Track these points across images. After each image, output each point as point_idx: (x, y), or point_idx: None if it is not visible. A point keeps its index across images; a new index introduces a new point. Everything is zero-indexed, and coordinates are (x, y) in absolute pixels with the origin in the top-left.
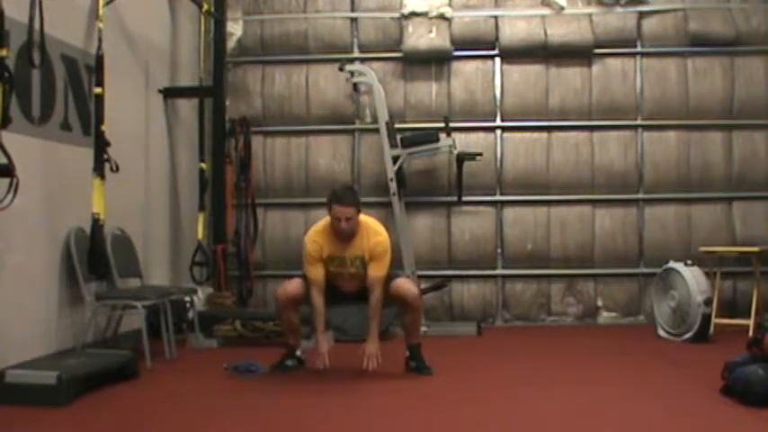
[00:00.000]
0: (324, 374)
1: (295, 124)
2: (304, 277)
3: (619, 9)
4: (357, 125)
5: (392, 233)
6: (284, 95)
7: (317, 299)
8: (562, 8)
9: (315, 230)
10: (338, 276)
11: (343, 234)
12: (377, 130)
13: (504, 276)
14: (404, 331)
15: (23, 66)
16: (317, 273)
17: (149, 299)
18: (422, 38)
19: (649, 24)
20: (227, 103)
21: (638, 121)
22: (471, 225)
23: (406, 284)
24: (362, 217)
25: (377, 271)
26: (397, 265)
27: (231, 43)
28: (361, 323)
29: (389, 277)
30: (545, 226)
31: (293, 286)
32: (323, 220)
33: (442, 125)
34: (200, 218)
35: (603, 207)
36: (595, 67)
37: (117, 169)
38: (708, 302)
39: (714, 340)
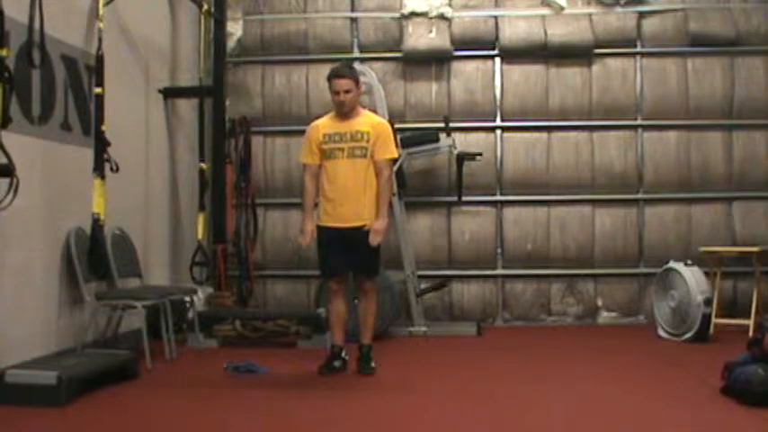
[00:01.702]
0: (324, 375)
1: (295, 124)
2: (330, 274)
3: (619, 9)
4: None
5: (392, 233)
6: (284, 95)
7: (309, 182)
8: (562, 8)
9: (320, 118)
10: (334, 157)
11: (343, 108)
12: None
13: (504, 276)
14: (360, 325)
15: (23, 66)
16: (310, 158)
17: (149, 299)
18: (422, 38)
19: (649, 24)
20: (227, 103)
21: (638, 121)
22: (471, 225)
23: (368, 280)
24: (365, 108)
25: (383, 154)
26: (397, 265)
27: (231, 43)
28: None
29: (373, 270)
30: (545, 226)
31: (331, 284)
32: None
33: (442, 125)
34: (200, 218)
35: (603, 207)
36: (595, 67)
37: (117, 169)
38: (708, 302)
39: (714, 340)
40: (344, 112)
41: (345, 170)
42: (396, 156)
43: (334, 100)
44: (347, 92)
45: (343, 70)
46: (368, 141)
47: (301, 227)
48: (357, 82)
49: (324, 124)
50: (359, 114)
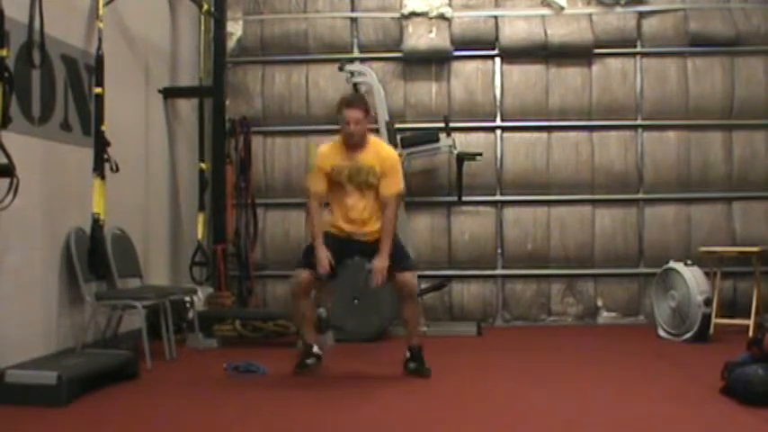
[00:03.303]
0: (324, 375)
1: (295, 124)
2: (308, 266)
3: (619, 9)
4: None
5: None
6: (284, 95)
7: (317, 209)
8: (562, 8)
9: (326, 145)
10: (343, 192)
11: (353, 139)
12: (377, 130)
13: (504, 276)
14: (404, 329)
15: (23, 66)
16: (318, 186)
17: (149, 299)
18: (422, 38)
19: (649, 24)
20: (227, 103)
21: (638, 121)
22: (471, 225)
23: (405, 275)
24: (373, 136)
25: (390, 187)
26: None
27: (231, 43)
28: (362, 323)
29: (394, 261)
30: (545, 226)
31: (305, 274)
32: (335, 138)
33: (442, 125)
34: (200, 218)
35: (603, 207)
36: (595, 67)
37: (117, 169)
38: (708, 302)
39: (714, 340)
40: (353, 143)
41: (354, 201)
42: (402, 189)
43: (344, 129)
44: (357, 122)
45: (355, 100)
46: (375, 176)
47: (315, 257)
48: (367, 112)
49: (332, 154)
50: (367, 145)
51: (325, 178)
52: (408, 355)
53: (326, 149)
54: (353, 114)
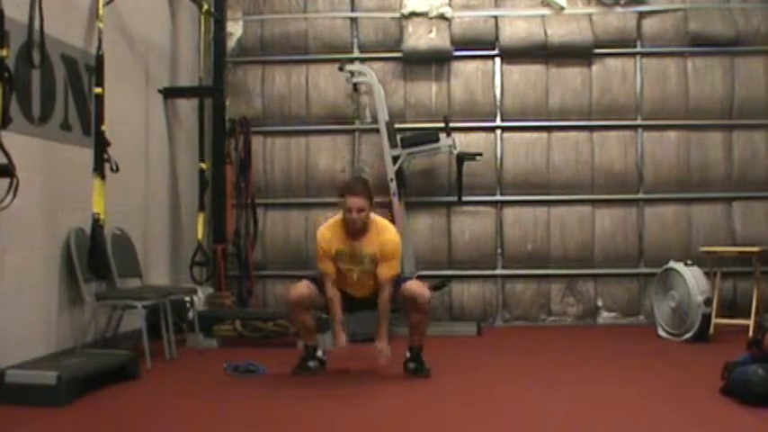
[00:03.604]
0: (324, 375)
1: (295, 124)
2: (310, 278)
3: (619, 9)
4: (357, 125)
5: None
6: (284, 95)
7: (333, 290)
8: (562, 8)
9: (326, 226)
10: (347, 275)
11: (355, 226)
12: (377, 130)
13: (504, 276)
14: (409, 331)
15: (23, 66)
16: (328, 267)
17: (149, 299)
18: (422, 38)
19: (649, 24)
20: (227, 103)
21: (638, 121)
22: (471, 225)
23: (417, 286)
24: (374, 216)
25: (387, 271)
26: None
27: (231, 43)
28: (365, 322)
29: (400, 280)
30: (545, 226)
31: (302, 287)
32: (335, 217)
33: (442, 125)
34: (200, 218)
35: (603, 207)
36: (595, 67)
37: (117, 169)
38: (708, 302)
39: (714, 340)
40: (356, 230)
41: (356, 285)
42: (398, 272)
43: (347, 217)
44: (360, 211)
45: (359, 188)
46: (374, 263)
47: (335, 340)
48: (371, 201)
49: (334, 238)
50: (368, 231)
51: (333, 261)
52: (408, 355)
53: (328, 233)
54: (357, 203)
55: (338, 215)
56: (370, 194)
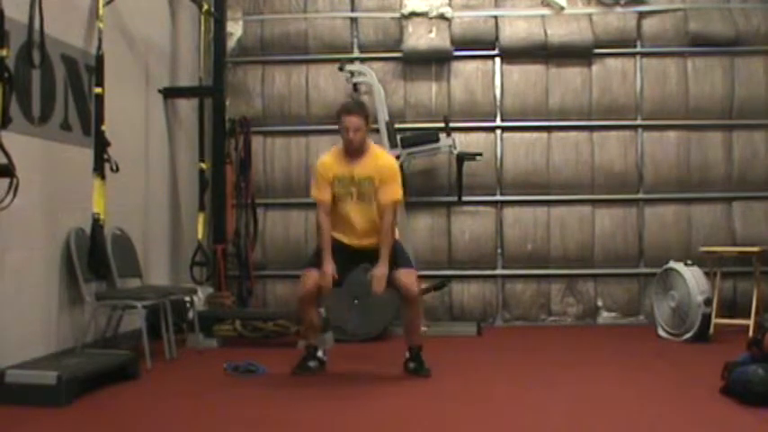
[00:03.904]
0: (324, 375)
1: (295, 124)
2: (314, 265)
3: (619, 9)
4: None
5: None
6: (284, 95)
7: (324, 220)
8: (562, 8)
9: (326, 154)
10: (343, 202)
11: (352, 146)
12: (377, 130)
13: (504, 276)
14: (404, 331)
15: (23, 66)
16: (323, 195)
17: (149, 299)
18: (422, 38)
19: (649, 24)
20: (227, 103)
21: (638, 121)
22: (471, 225)
23: (408, 278)
24: (372, 143)
25: (387, 195)
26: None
27: (231, 43)
28: (362, 324)
29: (397, 262)
30: (545, 226)
31: (311, 278)
32: (335, 146)
33: (442, 125)
34: (200, 218)
35: (603, 207)
36: (595, 67)
37: (117, 169)
38: (708, 302)
39: (714, 340)
40: (353, 150)
41: (355, 213)
42: (400, 197)
43: (343, 137)
44: (357, 130)
45: (354, 108)
46: (373, 186)
47: (322, 270)
48: (367, 120)
49: (333, 163)
50: (366, 153)
51: (329, 188)
52: (408, 355)
53: (327, 159)
54: (352, 122)
55: (336, 146)
56: (366, 115)
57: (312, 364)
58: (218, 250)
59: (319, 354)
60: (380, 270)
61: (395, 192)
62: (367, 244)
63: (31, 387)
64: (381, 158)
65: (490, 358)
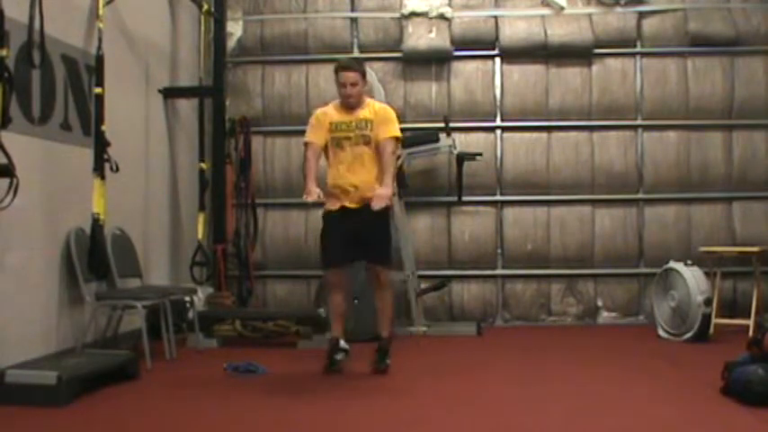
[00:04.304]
0: (324, 375)
1: (295, 124)
2: (332, 264)
3: (619, 9)
4: None
5: (392, 233)
6: (284, 95)
7: (312, 157)
8: (562, 8)
9: (324, 105)
10: (342, 144)
11: (350, 101)
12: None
13: (504, 276)
14: (378, 319)
15: (23, 66)
16: (315, 137)
17: (149, 299)
18: (422, 38)
19: (649, 24)
20: (227, 103)
21: (638, 121)
22: (471, 225)
23: (381, 268)
24: (368, 98)
25: (385, 132)
26: (397, 265)
27: (231, 43)
28: (365, 325)
29: (385, 260)
30: (545, 226)
31: (335, 272)
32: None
33: (442, 125)
34: (200, 218)
35: (603, 207)
36: (595, 67)
37: (117, 169)
38: (708, 302)
39: (714, 340)
40: (350, 104)
41: (353, 158)
42: (399, 135)
43: (341, 92)
44: (354, 85)
45: (351, 63)
46: (371, 129)
47: (305, 188)
48: (364, 75)
49: (331, 112)
50: (363, 104)
51: (324, 134)
52: (376, 345)
53: (326, 108)
54: (350, 77)
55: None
56: (362, 70)
57: (339, 356)
58: (218, 250)
59: (342, 344)
60: (383, 190)
61: (393, 130)
62: (363, 191)
63: (31, 387)
64: (378, 105)
65: (490, 358)
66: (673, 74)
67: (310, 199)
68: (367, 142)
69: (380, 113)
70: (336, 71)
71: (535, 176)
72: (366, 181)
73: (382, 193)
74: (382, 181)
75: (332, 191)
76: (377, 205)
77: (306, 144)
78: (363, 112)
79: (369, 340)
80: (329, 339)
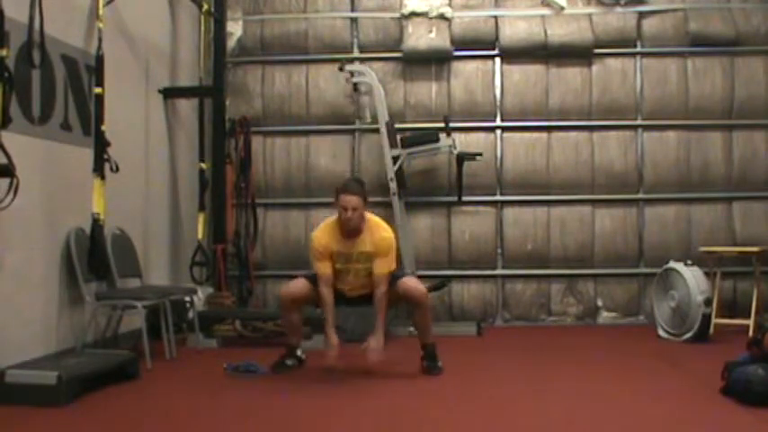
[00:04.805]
0: (323, 375)
1: (295, 124)
2: (307, 277)
3: (619, 9)
4: (357, 125)
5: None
6: (284, 95)
7: (327, 293)
8: (562, 8)
9: (321, 228)
10: (343, 275)
11: (350, 225)
12: (377, 130)
13: (504, 276)
14: (416, 330)
15: (23, 66)
16: (324, 268)
17: (149, 299)
18: (422, 38)
19: (649, 24)
20: (227, 103)
21: (638, 121)
22: (471, 225)
23: (411, 282)
24: (369, 215)
25: (382, 267)
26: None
27: (231, 43)
28: (362, 323)
29: (395, 276)
30: (545, 226)
31: (297, 286)
32: (329, 219)
33: (442, 125)
34: (200, 218)
35: (603, 207)
36: (595, 67)
37: (117, 169)
38: (708, 302)
39: (714, 340)
40: (350, 227)
41: (352, 283)
42: (393, 268)
43: (341, 216)
44: (354, 209)
45: (353, 187)
46: (370, 262)
47: (326, 341)
48: (365, 200)
49: (330, 241)
50: (363, 230)
51: (329, 262)
52: (422, 353)
53: (323, 235)
54: (352, 201)
55: (331, 218)
56: (364, 194)
57: (290, 362)
58: (218, 250)
59: (298, 352)
60: (376, 342)
61: (389, 264)
62: (363, 294)
63: (31, 387)
64: (378, 233)
65: (490, 358)
66: (673, 74)
67: (333, 359)
68: (368, 274)
69: (379, 246)
70: (337, 193)
71: (535, 176)
72: (364, 292)
73: (375, 346)
74: (375, 324)
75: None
76: (373, 359)
77: (318, 276)
78: (363, 243)
79: (360, 341)
80: (287, 344)
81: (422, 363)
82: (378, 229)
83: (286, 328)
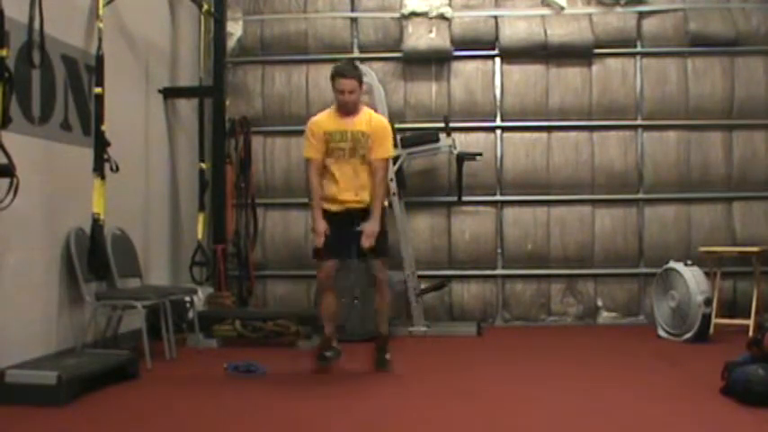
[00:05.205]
0: (323, 375)
1: (295, 124)
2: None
3: (619, 9)
4: None
5: (392, 233)
6: (284, 95)
7: (315, 180)
8: (562, 8)
9: (319, 114)
10: (337, 155)
11: (347, 108)
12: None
13: (504, 276)
14: (374, 316)
15: (23, 66)
16: (314, 152)
17: (149, 299)
18: (422, 38)
19: (649, 24)
20: (227, 103)
21: (638, 121)
22: (471, 225)
23: (378, 264)
24: (364, 105)
25: (379, 152)
26: (396, 265)
27: (231, 43)
28: (361, 324)
29: (380, 252)
30: (545, 226)
31: (329, 264)
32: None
33: (442, 125)
34: (200, 218)
35: (603, 207)
36: (595, 67)
37: (117, 169)
38: (708, 302)
39: (714, 340)
40: (347, 111)
41: (347, 169)
42: (392, 155)
43: (338, 98)
44: (351, 92)
45: (348, 70)
46: (366, 142)
47: (313, 227)
48: (361, 82)
49: (325, 121)
50: (359, 112)
51: (321, 145)
52: (374, 344)
53: (319, 117)
54: (347, 84)
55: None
56: (359, 77)
57: (329, 353)
58: (218, 250)
59: (335, 344)
60: (371, 226)
61: (387, 149)
62: (357, 200)
63: (31, 387)
64: (374, 117)
65: (490, 358)
66: (673, 74)
67: (320, 243)
68: (363, 155)
69: (377, 128)
70: (333, 77)
71: (535, 176)
72: (361, 200)
73: (370, 231)
74: (371, 210)
75: (327, 198)
76: (366, 243)
77: (307, 161)
78: (359, 123)
79: (368, 339)
80: (323, 337)
81: (373, 359)
82: (373, 114)
83: (323, 314)
